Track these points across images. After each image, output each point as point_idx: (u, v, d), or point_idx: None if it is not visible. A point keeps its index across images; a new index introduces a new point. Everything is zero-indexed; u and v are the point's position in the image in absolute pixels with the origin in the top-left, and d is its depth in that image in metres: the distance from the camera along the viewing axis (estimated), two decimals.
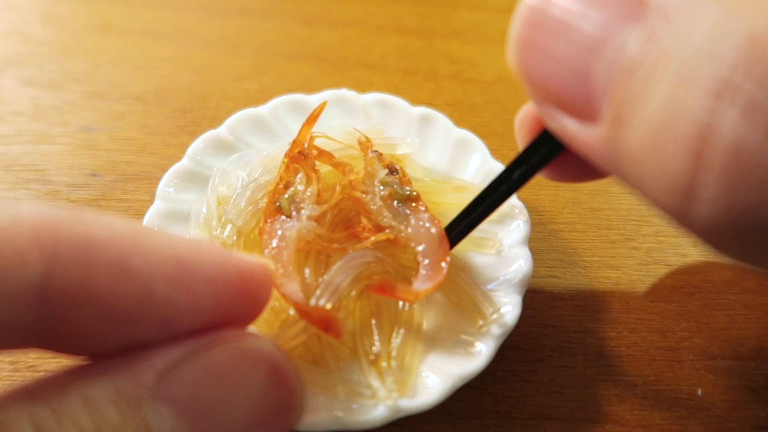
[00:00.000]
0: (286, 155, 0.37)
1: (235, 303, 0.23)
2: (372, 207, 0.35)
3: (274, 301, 0.35)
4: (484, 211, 0.32)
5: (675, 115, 0.18)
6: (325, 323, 0.31)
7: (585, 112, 0.21)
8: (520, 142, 0.30)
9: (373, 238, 0.34)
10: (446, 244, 0.33)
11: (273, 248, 0.33)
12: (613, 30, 0.20)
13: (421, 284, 0.32)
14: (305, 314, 0.32)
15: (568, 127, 0.22)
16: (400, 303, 0.35)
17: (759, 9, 0.18)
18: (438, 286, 0.33)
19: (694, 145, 0.18)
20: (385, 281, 0.33)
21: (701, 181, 0.18)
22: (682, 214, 0.20)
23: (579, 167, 0.29)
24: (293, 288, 0.32)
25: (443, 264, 0.33)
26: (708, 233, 0.19)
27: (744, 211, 0.18)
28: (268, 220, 0.34)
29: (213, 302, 0.22)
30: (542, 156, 0.27)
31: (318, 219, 0.35)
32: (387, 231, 0.34)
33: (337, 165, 0.37)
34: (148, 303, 0.20)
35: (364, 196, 0.35)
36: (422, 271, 0.33)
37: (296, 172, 0.36)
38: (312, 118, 0.38)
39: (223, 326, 0.23)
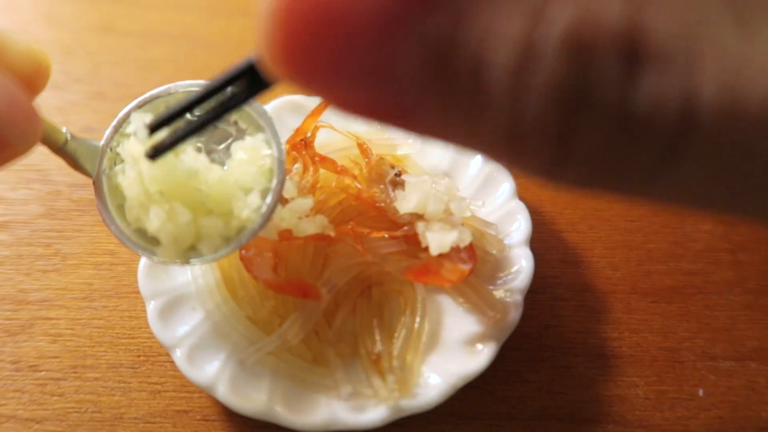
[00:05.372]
0: (287, 142, 0.37)
1: None
2: (389, 206, 0.35)
3: (273, 301, 0.35)
4: (197, 125, 0.25)
5: (524, 121, 0.16)
6: (302, 291, 0.32)
7: (396, 107, 0.17)
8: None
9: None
10: (468, 232, 0.34)
11: None
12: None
13: (463, 264, 0.33)
14: (279, 289, 0.33)
15: (372, 118, 0.17)
16: (401, 303, 0.36)
17: None
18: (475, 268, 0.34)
19: (551, 148, 0.16)
20: (429, 263, 0.33)
21: (570, 176, 0.16)
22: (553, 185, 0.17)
23: None
24: (264, 269, 0.33)
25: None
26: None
27: None
28: None
29: None
30: (263, 87, 0.22)
31: (316, 212, 0.35)
32: (406, 228, 0.34)
33: (340, 171, 0.37)
34: None
35: (380, 195, 0.35)
36: (459, 255, 0.34)
37: (295, 161, 0.36)
38: (318, 110, 0.38)
39: None
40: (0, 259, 0.41)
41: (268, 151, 0.30)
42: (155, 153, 0.27)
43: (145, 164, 0.29)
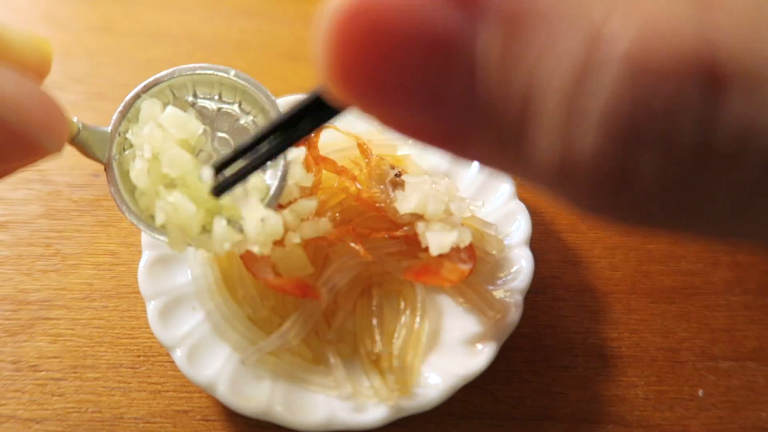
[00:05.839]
0: None
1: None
2: (389, 206, 0.35)
3: (273, 301, 0.35)
4: (263, 157, 0.26)
5: (575, 155, 0.14)
6: (301, 290, 0.32)
7: (451, 132, 0.16)
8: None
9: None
10: (468, 232, 0.34)
11: None
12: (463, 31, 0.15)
13: (463, 264, 0.33)
14: (279, 288, 0.33)
15: (429, 143, 0.17)
16: (401, 303, 0.36)
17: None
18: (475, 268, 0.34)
19: (610, 187, 0.14)
20: (429, 263, 0.33)
21: (627, 214, 0.15)
22: (608, 223, 0.16)
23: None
24: (264, 268, 0.33)
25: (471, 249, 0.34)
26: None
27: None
28: None
29: None
30: (332, 114, 0.22)
31: (318, 214, 0.35)
32: (406, 228, 0.34)
33: (340, 172, 0.37)
34: None
35: (380, 196, 0.35)
36: (459, 255, 0.34)
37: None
38: None
39: None
40: (0, 259, 0.41)
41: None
42: (219, 190, 0.28)
43: (165, 151, 0.29)
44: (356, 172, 0.38)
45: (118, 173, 0.30)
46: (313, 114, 0.22)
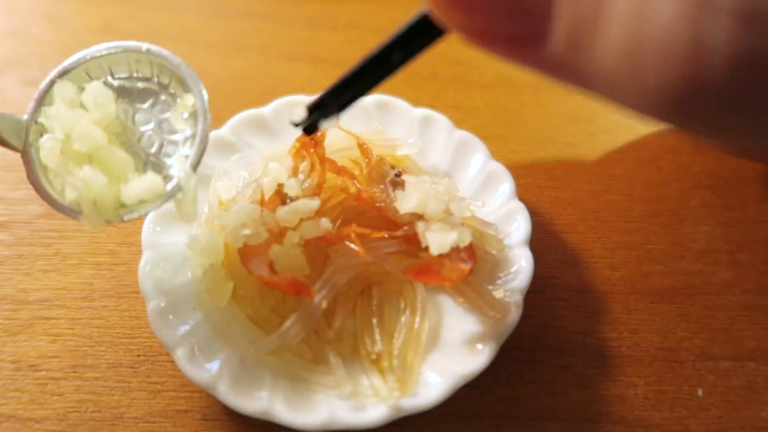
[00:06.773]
0: (297, 140, 0.37)
1: None
2: (389, 206, 0.35)
3: (273, 301, 0.35)
4: (355, 94, 0.29)
5: (648, 30, 0.14)
6: (294, 288, 0.32)
7: (527, 36, 0.19)
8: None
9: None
10: (468, 232, 0.34)
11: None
12: None
13: (463, 264, 0.33)
14: (273, 285, 0.33)
15: (509, 51, 0.20)
16: (401, 303, 0.36)
17: None
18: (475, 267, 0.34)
19: (683, 61, 0.14)
20: (429, 262, 0.33)
21: (703, 98, 0.14)
22: (679, 122, 0.16)
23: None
24: (260, 265, 0.33)
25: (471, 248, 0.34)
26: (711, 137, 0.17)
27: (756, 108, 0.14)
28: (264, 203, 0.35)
29: None
30: (425, 42, 0.25)
31: (319, 214, 0.35)
32: (406, 228, 0.34)
33: (340, 171, 0.37)
34: None
35: (380, 195, 0.35)
36: (459, 255, 0.34)
37: (303, 159, 0.36)
38: None
39: None
40: (0, 259, 0.41)
41: (192, 100, 0.31)
42: (310, 129, 0.30)
43: (74, 126, 0.29)
44: (356, 172, 0.38)
45: (36, 159, 0.30)
46: (404, 47, 0.25)
